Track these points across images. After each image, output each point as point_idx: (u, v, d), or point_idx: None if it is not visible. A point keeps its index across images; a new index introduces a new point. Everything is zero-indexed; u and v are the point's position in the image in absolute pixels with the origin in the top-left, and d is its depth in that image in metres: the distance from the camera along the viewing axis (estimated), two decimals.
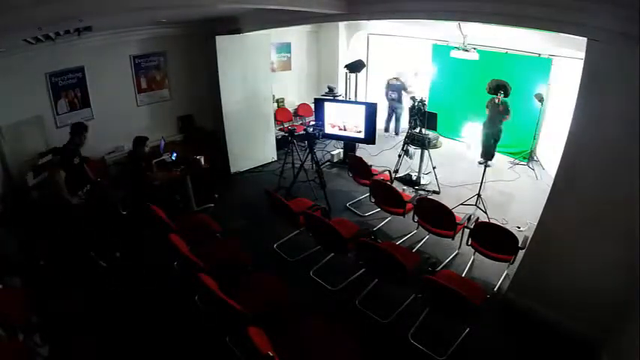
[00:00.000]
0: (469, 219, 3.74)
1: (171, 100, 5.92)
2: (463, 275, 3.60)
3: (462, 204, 4.61)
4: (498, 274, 3.69)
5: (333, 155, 6.35)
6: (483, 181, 4.56)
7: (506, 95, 4.36)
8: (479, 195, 4.61)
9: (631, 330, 2.42)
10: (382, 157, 6.33)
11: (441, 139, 6.88)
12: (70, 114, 4.85)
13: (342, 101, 5.97)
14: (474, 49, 5.38)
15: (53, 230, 3.88)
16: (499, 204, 4.91)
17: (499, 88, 4.24)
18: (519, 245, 3.18)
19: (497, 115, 5.49)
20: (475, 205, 4.60)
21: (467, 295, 2.51)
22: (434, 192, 5.22)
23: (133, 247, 4.07)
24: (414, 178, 5.55)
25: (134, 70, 5.39)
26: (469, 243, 3.57)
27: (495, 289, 3.51)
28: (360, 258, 3.35)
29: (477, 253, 3.62)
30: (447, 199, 4.79)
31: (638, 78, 2.13)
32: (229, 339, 2.87)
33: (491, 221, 3.99)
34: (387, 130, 7.46)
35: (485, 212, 4.51)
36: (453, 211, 3.73)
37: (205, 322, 3.04)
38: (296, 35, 6.98)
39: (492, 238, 3.38)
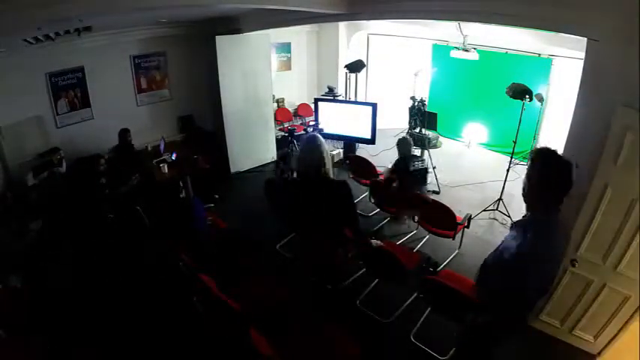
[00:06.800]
0: (469, 219, 3.74)
1: (171, 100, 5.92)
2: (464, 275, 3.59)
3: (484, 210, 4.69)
4: None
5: (333, 155, 6.35)
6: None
7: (530, 99, 4.27)
8: (500, 199, 4.64)
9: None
10: (382, 157, 6.32)
11: (441, 139, 6.93)
12: (70, 114, 4.85)
13: (342, 101, 5.97)
14: (474, 49, 5.38)
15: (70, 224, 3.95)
16: None
17: (525, 92, 4.13)
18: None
19: None
20: (496, 209, 4.66)
21: (469, 294, 2.50)
22: (434, 192, 5.21)
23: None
24: None
25: (134, 70, 5.39)
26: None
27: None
28: (359, 258, 3.34)
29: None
30: (447, 199, 4.78)
31: (638, 78, 2.13)
32: (229, 339, 2.87)
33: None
34: None
35: (509, 216, 4.50)
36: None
37: (204, 324, 3.03)
38: (296, 35, 6.97)
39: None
